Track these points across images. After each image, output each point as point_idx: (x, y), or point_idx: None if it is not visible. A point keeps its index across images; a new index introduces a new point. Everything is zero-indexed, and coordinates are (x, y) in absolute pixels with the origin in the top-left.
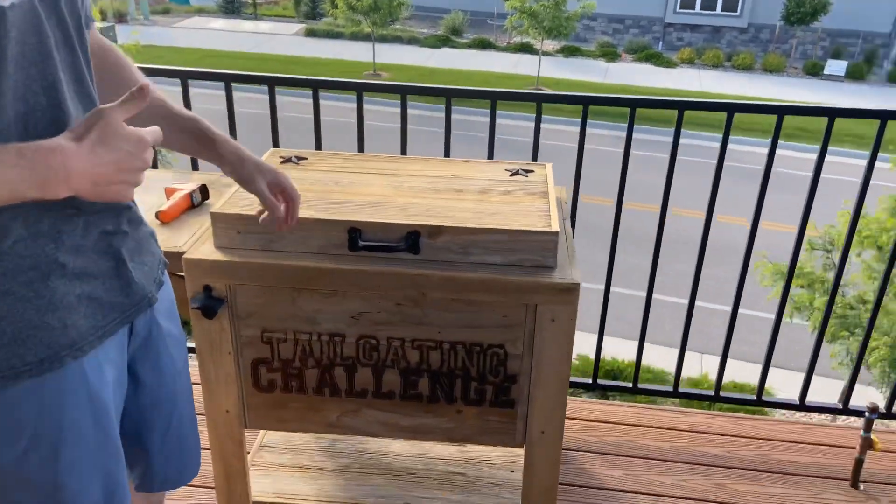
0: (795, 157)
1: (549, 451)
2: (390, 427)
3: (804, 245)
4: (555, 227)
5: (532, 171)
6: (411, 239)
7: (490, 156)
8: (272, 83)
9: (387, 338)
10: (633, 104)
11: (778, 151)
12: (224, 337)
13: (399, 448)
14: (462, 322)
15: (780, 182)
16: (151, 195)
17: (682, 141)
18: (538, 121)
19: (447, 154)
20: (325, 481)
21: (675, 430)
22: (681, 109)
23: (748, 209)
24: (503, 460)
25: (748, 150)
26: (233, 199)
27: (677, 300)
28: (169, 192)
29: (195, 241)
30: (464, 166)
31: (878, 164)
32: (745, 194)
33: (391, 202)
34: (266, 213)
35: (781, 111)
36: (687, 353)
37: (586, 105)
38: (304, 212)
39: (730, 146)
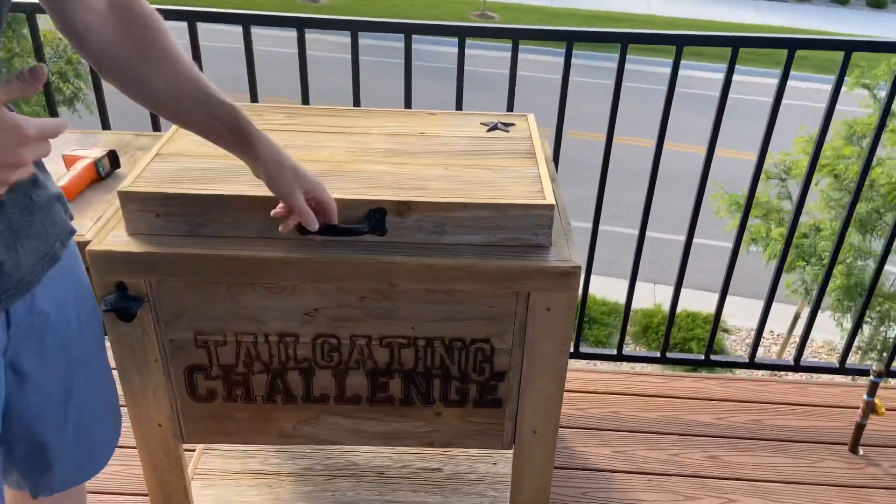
0: (755, 83)
1: (542, 452)
2: (358, 434)
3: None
4: (549, 198)
5: (513, 124)
6: (375, 218)
7: (459, 105)
8: (301, 24)
9: (349, 336)
10: (625, 39)
11: (735, 77)
12: (148, 342)
13: None
14: (440, 315)
15: (737, 109)
16: (47, 165)
17: (640, 69)
18: (514, 61)
19: (408, 103)
20: (282, 489)
21: (663, 397)
22: (679, 45)
23: (704, 138)
24: (483, 451)
25: (703, 77)
26: (149, 170)
27: (632, 231)
28: (69, 162)
29: (102, 227)
30: (431, 120)
31: (828, 87)
32: (701, 123)
33: (347, 171)
34: (289, 220)
35: (792, 45)
36: (639, 284)
37: (570, 42)
38: (239, 187)
39: (689, 73)
